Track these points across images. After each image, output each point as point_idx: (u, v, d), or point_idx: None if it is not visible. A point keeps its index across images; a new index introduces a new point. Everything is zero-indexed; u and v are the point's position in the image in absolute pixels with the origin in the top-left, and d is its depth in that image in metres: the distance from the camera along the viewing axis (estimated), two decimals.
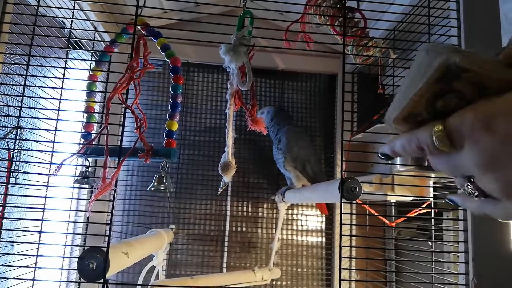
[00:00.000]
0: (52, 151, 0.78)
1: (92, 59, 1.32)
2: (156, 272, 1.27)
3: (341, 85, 1.67)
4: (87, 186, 1.18)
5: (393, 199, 1.25)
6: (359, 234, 1.54)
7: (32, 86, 0.88)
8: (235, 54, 0.81)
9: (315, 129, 1.71)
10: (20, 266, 0.82)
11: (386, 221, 1.24)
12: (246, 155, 1.64)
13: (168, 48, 0.86)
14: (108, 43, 0.86)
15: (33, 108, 0.90)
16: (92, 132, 0.86)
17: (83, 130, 0.86)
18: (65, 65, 0.84)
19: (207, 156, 1.62)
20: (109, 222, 0.76)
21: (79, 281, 1.30)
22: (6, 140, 0.88)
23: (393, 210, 1.47)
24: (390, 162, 1.14)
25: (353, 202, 0.75)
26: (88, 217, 1.38)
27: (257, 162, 1.62)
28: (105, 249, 0.71)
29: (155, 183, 0.83)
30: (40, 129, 0.91)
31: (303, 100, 1.73)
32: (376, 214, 1.29)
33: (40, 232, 0.80)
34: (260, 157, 1.64)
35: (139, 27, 0.82)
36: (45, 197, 0.76)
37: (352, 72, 1.58)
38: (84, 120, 0.89)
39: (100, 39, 1.35)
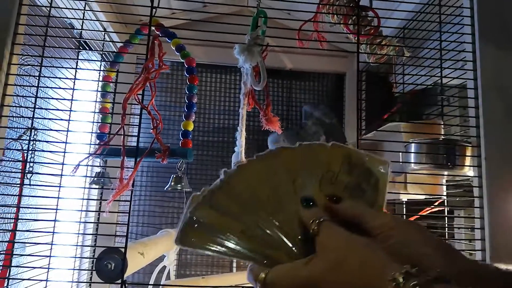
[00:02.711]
0: (64, 152, 0.78)
1: (102, 60, 1.32)
2: (167, 272, 1.27)
3: (355, 83, 1.69)
4: (98, 186, 1.18)
5: (405, 198, 1.24)
6: None
7: (45, 87, 0.88)
8: (249, 53, 0.81)
9: None
10: (34, 267, 0.82)
11: None
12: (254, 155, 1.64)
13: (183, 48, 0.86)
14: (122, 44, 0.86)
15: (45, 109, 0.90)
16: (107, 132, 0.86)
17: (98, 131, 0.86)
18: (76, 66, 0.84)
19: (216, 156, 1.62)
20: (120, 222, 0.76)
21: (90, 281, 1.30)
22: (20, 141, 0.88)
23: (404, 208, 1.46)
24: (400, 161, 1.14)
25: None
26: (98, 218, 1.38)
27: None
28: (122, 250, 0.71)
29: (172, 183, 0.83)
30: (53, 130, 0.91)
31: (310, 99, 1.73)
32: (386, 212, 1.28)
33: (53, 233, 0.80)
34: None
35: (153, 28, 0.82)
36: (58, 197, 0.76)
37: (361, 71, 1.58)
38: (97, 120, 0.89)
39: (109, 40, 1.35)
